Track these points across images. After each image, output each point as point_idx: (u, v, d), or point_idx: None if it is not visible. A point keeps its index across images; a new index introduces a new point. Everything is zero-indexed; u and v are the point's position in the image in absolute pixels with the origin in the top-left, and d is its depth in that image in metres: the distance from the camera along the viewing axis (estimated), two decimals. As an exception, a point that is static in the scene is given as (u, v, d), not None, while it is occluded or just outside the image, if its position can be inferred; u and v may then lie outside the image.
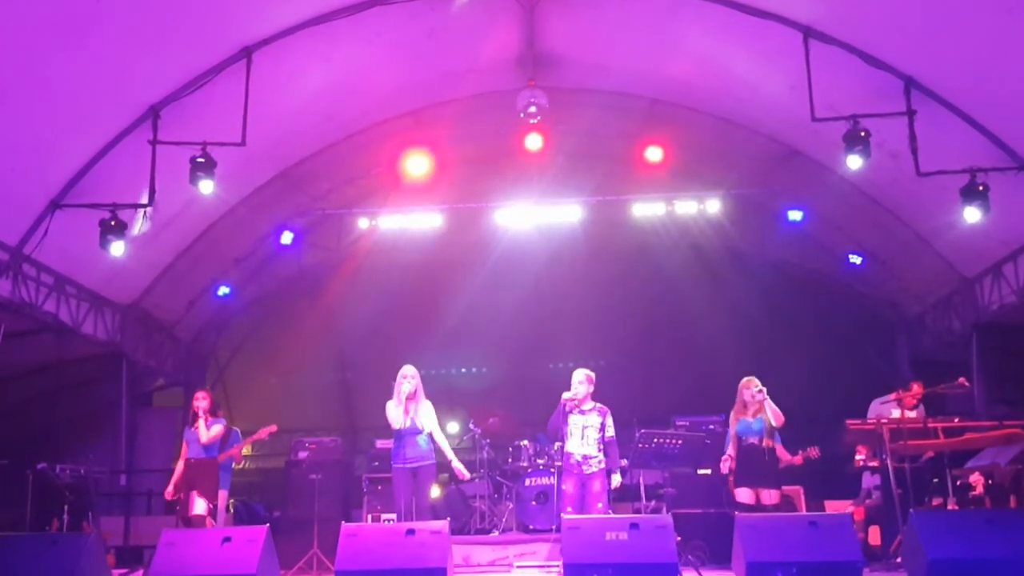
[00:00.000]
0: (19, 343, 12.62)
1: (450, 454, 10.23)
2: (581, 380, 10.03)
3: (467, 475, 10.54)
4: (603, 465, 9.94)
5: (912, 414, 10.56)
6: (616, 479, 10.24)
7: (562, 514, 9.49)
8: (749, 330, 16.45)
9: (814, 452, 10.98)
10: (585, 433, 9.95)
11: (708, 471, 11.58)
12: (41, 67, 9.68)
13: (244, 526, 10.83)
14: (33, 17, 9.16)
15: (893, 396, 10.75)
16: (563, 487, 10.07)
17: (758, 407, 9.73)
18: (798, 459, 11.05)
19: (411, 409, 9.84)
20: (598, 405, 10.10)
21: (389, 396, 9.96)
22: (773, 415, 9.70)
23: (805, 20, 10.97)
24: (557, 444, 11.04)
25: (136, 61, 10.43)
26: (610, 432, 10.07)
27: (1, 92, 9.57)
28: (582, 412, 10.02)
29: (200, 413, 10.49)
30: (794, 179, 14.35)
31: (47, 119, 10.31)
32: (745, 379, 9.97)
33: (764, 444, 9.71)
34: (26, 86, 9.75)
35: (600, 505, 9.85)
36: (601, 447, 9.96)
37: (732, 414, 9.97)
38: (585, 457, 9.89)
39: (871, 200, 13.81)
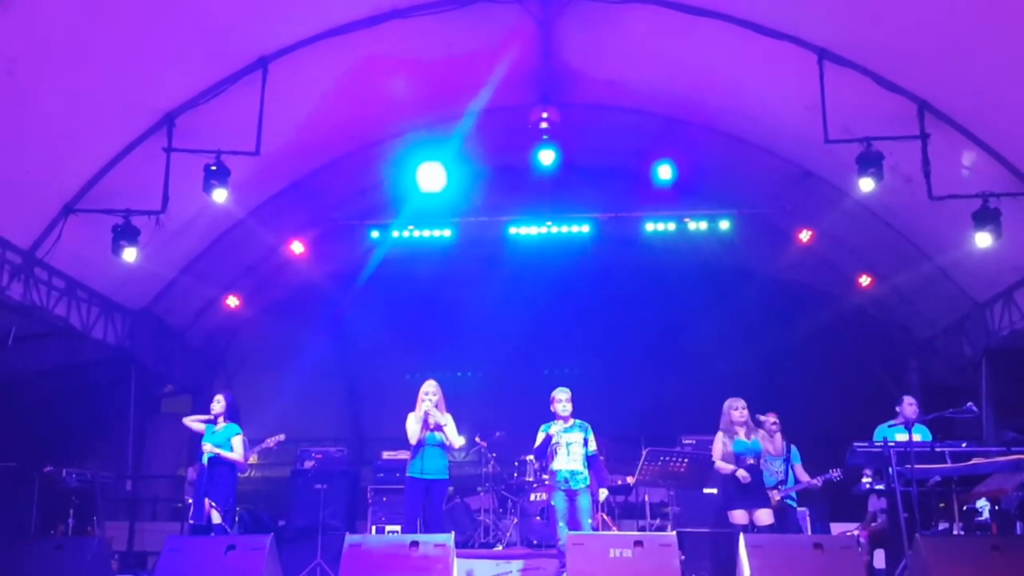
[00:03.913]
0: (29, 346, 12.68)
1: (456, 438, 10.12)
2: (567, 398, 10.17)
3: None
4: (589, 481, 9.98)
5: (917, 437, 10.49)
6: (603, 492, 10.24)
7: (558, 531, 9.51)
8: (758, 350, 16.40)
9: (836, 474, 10.89)
10: (571, 450, 10.04)
11: (714, 490, 11.54)
12: (59, 72, 9.74)
13: (249, 534, 10.85)
14: (52, 22, 9.22)
15: (899, 421, 10.69)
16: (552, 503, 10.10)
17: (747, 427, 9.75)
18: (818, 482, 10.98)
19: (431, 423, 9.83)
20: (579, 421, 10.19)
21: (397, 407, 9.97)
22: (777, 445, 9.70)
23: (820, 42, 10.98)
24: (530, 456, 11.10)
25: (153, 68, 10.49)
26: (593, 447, 10.16)
27: (18, 96, 9.63)
28: (565, 430, 10.09)
29: (219, 416, 10.47)
30: (806, 200, 14.34)
31: (63, 124, 10.37)
32: (731, 399, 9.96)
33: (761, 467, 9.71)
34: (43, 91, 9.82)
35: (589, 521, 9.87)
36: (586, 462, 10.04)
37: (720, 434, 9.92)
38: (572, 473, 9.97)
39: (883, 223, 13.78)
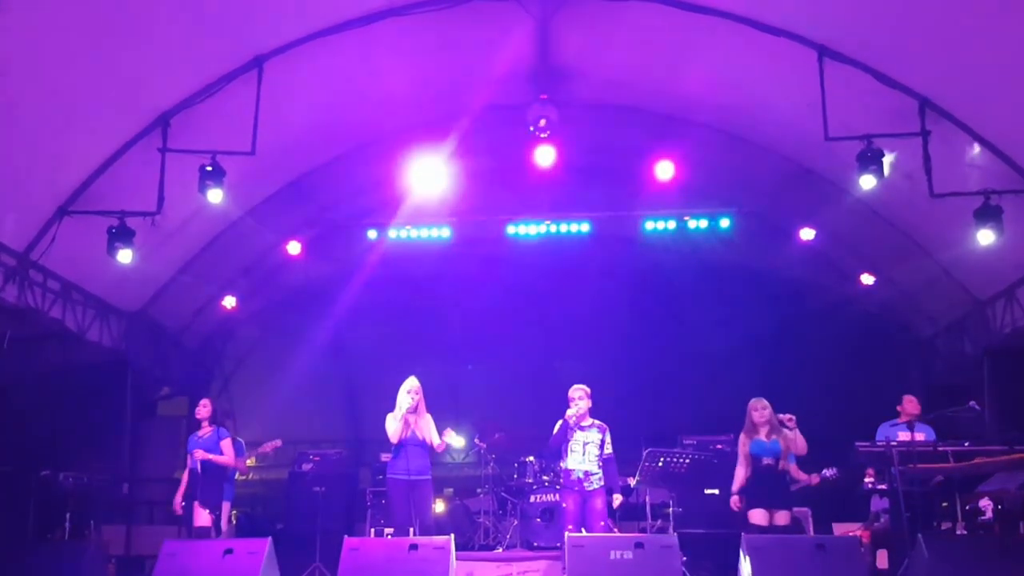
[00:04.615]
0: (24, 349, 12.63)
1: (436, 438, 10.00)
2: (580, 396, 9.96)
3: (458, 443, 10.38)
4: (603, 482, 9.85)
5: (920, 435, 10.43)
6: (617, 498, 10.12)
7: (566, 532, 9.40)
8: (758, 349, 16.36)
9: (832, 473, 10.85)
10: (586, 449, 9.89)
11: (716, 491, 11.48)
12: (53, 73, 9.66)
13: (246, 538, 10.80)
14: (45, 23, 9.15)
15: (902, 419, 10.65)
16: (564, 504, 9.99)
17: (771, 428, 9.64)
18: (814, 479, 10.94)
19: (411, 422, 9.77)
20: (597, 421, 10.05)
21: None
22: (801, 445, 9.62)
23: (820, 39, 10.91)
24: (563, 462, 10.86)
25: (148, 69, 10.42)
26: (609, 449, 10.01)
27: (12, 97, 9.56)
28: (582, 428, 9.96)
29: (204, 421, 10.53)
30: (807, 198, 14.28)
31: (57, 125, 10.28)
32: (753, 400, 9.89)
33: (780, 466, 9.60)
34: (37, 92, 9.73)
35: (602, 523, 9.76)
36: (600, 464, 9.88)
37: (743, 435, 9.87)
38: (586, 474, 9.83)
39: (884, 221, 13.73)
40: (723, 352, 16.48)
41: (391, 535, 11.40)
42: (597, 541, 8.87)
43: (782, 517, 9.48)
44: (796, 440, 9.66)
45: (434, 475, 10.06)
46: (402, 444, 9.72)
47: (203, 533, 10.12)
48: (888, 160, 11.06)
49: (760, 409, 9.72)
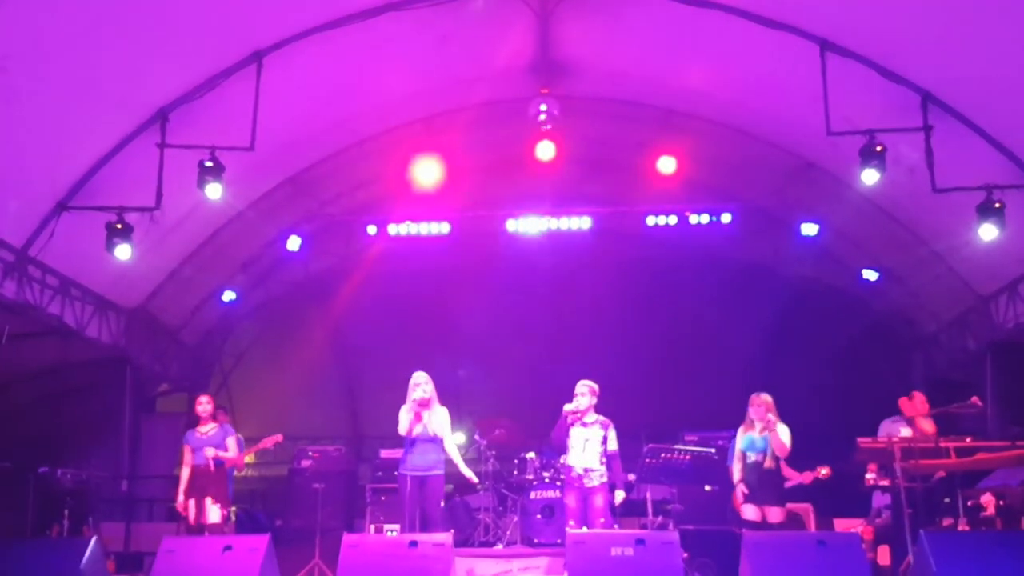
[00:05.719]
0: (23, 345, 12.60)
1: (459, 461, 9.96)
2: (583, 392, 9.83)
3: (475, 480, 10.29)
4: (605, 479, 9.74)
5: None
6: (620, 494, 10.02)
7: (567, 528, 9.32)
8: (760, 344, 16.30)
9: (824, 471, 10.80)
10: (586, 446, 9.75)
11: (710, 487, 11.43)
12: (51, 69, 9.63)
13: (245, 535, 10.77)
14: (44, 18, 9.12)
15: (903, 417, 10.60)
16: (565, 501, 9.93)
17: (765, 424, 9.56)
18: (806, 477, 10.89)
19: (424, 416, 9.64)
20: (600, 418, 9.91)
21: (395, 404, 9.79)
22: (777, 446, 9.50)
23: (822, 33, 10.89)
24: (564, 457, 10.76)
25: (146, 63, 10.37)
26: (612, 445, 9.84)
27: (10, 92, 9.52)
28: (584, 425, 9.83)
29: (208, 418, 10.49)
30: (809, 193, 14.26)
31: (55, 120, 10.25)
32: (753, 394, 9.79)
33: (766, 464, 9.51)
34: (35, 87, 9.69)
35: (602, 520, 9.63)
36: (603, 460, 9.77)
37: (741, 428, 9.83)
38: (586, 470, 9.71)
39: (887, 215, 13.70)
40: (725, 348, 16.44)
41: (393, 532, 11.36)
42: (598, 538, 8.80)
43: (773, 514, 9.41)
44: (777, 437, 9.56)
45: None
46: (414, 439, 9.59)
47: (215, 530, 10.08)
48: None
49: (756, 405, 9.62)
